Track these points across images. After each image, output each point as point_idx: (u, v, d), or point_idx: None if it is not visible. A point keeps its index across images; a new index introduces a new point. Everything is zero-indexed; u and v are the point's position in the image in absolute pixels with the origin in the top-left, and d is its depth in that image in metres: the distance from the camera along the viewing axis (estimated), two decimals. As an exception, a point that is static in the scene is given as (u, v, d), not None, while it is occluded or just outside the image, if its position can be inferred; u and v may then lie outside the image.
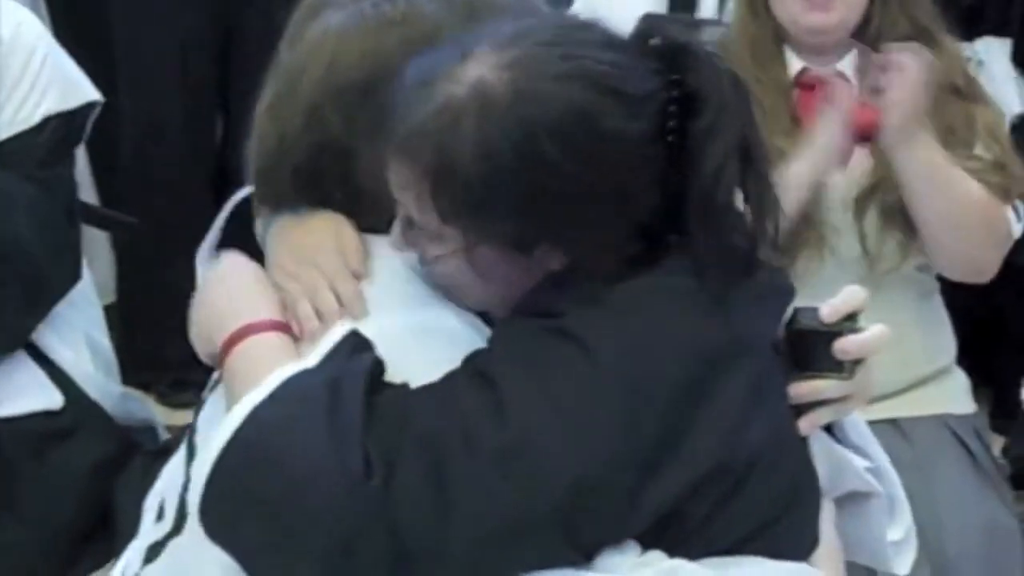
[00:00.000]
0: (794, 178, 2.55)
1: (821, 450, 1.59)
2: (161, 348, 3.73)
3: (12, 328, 2.60)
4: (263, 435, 1.40)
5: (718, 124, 1.48)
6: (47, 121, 2.59)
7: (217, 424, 1.49)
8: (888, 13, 2.71)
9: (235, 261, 1.60)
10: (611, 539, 1.44)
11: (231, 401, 1.48)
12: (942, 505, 2.67)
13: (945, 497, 2.68)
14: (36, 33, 2.63)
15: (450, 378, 1.44)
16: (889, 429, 2.70)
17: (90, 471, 2.62)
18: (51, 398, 2.64)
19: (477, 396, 1.41)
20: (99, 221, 3.35)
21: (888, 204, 2.69)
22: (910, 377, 2.78)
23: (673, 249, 1.50)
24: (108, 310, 3.37)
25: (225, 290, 1.57)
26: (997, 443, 3.27)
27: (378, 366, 1.46)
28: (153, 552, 1.61)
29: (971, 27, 3.36)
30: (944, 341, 2.86)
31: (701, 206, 1.48)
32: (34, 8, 3.35)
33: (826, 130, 2.62)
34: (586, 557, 1.43)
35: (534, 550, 1.41)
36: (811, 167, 2.61)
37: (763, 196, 1.52)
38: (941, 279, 2.83)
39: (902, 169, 2.62)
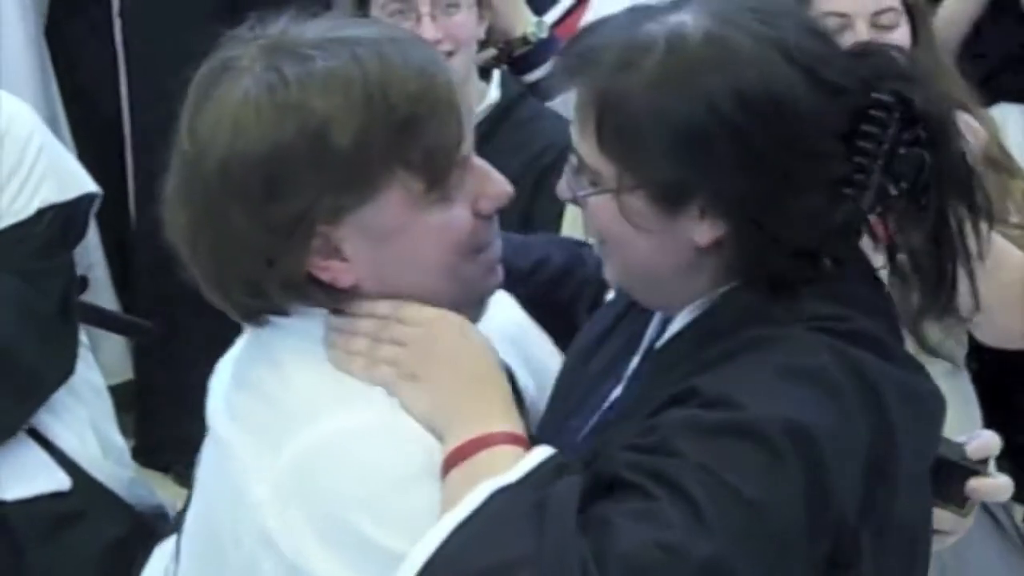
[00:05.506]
0: None
1: None
2: (179, 429, 3.70)
3: (1, 422, 2.61)
4: (469, 550, 1.32)
5: (954, 161, 1.48)
6: (43, 212, 2.59)
7: (196, 539, 1.48)
8: None
9: (469, 337, 1.51)
10: None
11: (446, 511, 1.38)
12: (972, 569, 2.70)
13: (975, 562, 2.71)
14: (31, 125, 2.64)
15: (633, 486, 1.36)
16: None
17: (102, 553, 2.63)
18: (58, 480, 2.66)
19: (674, 510, 1.34)
20: (116, 326, 3.36)
21: None
22: (940, 446, 2.79)
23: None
24: (125, 388, 3.40)
25: (462, 369, 1.47)
26: (1018, 512, 3.27)
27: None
28: None
29: (988, 93, 3.35)
30: (972, 414, 2.84)
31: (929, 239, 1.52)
32: (47, 97, 3.39)
33: None
34: None
35: None
36: None
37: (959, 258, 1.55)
38: (968, 358, 2.83)
39: None
